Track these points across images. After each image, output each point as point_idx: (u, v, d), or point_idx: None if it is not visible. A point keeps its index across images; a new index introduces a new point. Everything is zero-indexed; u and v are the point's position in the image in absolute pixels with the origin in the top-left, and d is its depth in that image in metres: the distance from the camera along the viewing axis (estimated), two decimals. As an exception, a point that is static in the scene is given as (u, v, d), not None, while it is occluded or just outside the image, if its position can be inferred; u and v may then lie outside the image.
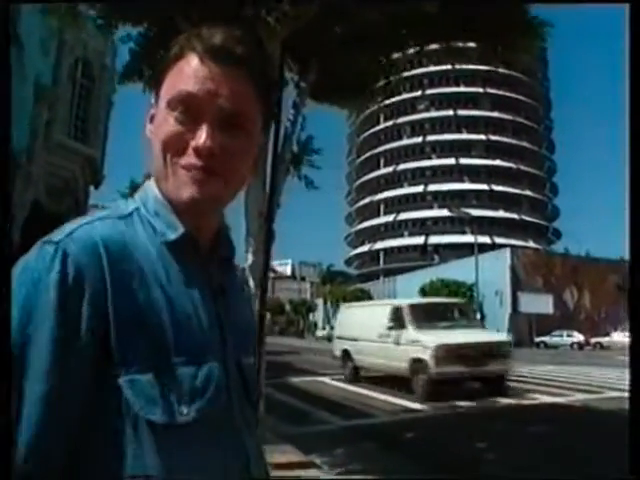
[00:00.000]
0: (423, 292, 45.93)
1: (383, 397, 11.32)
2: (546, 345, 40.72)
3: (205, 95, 0.75)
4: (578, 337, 41.02)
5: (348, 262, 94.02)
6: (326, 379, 14.77)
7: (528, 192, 77.76)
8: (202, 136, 0.75)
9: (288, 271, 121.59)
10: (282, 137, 5.94)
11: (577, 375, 16.46)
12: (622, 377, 16.13)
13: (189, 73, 0.76)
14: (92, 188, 19.04)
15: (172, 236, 0.79)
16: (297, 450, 6.24)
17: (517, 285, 43.42)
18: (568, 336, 41.21)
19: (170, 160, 0.77)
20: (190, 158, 0.76)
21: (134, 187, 17.23)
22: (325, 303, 75.29)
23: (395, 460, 6.40)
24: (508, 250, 45.48)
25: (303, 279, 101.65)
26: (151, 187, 0.83)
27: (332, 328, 55.91)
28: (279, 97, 5.83)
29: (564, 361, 22.86)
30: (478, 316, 38.84)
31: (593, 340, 40.52)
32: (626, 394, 8.72)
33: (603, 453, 6.28)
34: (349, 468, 5.92)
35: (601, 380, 14.98)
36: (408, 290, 50.20)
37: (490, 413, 9.64)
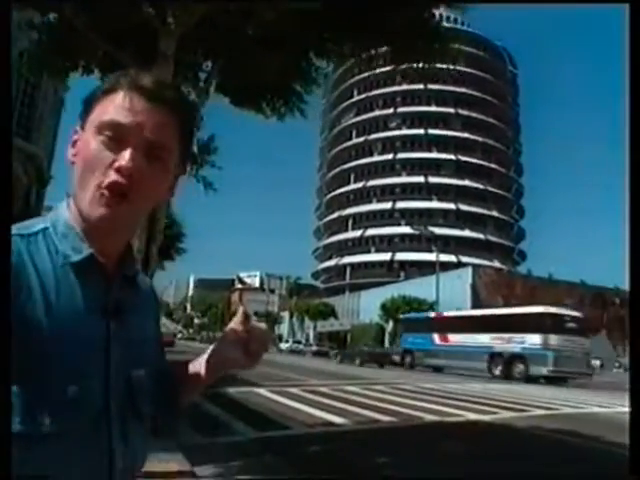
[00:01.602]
0: (384, 308, 46.11)
1: (309, 410, 11.11)
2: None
3: (131, 124, 0.84)
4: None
5: (315, 276, 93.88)
6: (262, 390, 14.49)
7: (495, 213, 79.09)
8: (125, 157, 0.82)
9: (256, 283, 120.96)
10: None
11: (493, 393, 16.50)
12: (543, 395, 16.27)
13: (119, 105, 0.84)
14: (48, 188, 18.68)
15: (75, 258, 0.85)
16: (184, 460, 5.98)
17: (478, 304, 43.81)
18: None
19: (90, 179, 0.83)
20: (112, 176, 0.82)
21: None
22: (291, 316, 75.01)
23: (289, 473, 6.18)
24: (470, 269, 45.97)
25: (272, 291, 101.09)
26: (63, 209, 0.90)
27: (296, 342, 55.54)
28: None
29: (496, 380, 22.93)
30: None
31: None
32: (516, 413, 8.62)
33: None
34: (231, 480, 5.68)
35: (521, 397, 15.04)
36: (371, 306, 50.42)
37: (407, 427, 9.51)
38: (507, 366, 24.41)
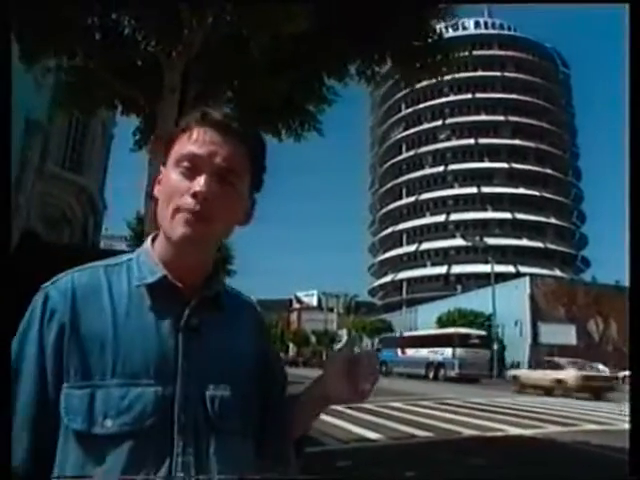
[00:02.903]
0: (440, 322, 45.19)
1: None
2: (569, 378, 39.10)
3: (205, 154, 0.94)
4: (603, 369, 39.28)
5: (372, 292, 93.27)
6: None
7: (553, 220, 76.23)
8: (200, 182, 0.92)
9: (314, 302, 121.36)
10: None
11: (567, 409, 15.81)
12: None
13: (194, 139, 0.95)
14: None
15: (149, 280, 0.97)
16: None
17: (537, 315, 42.24)
18: (591, 369, 39.50)
19: (171, 204, 0.94)
20: (188, 200, 0.92)
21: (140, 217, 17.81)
22: (349, 334, 74.71)
23: None
24: (527, 279, 44.40)
25: (331, 310, 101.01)
26: (147, 242, 1.04)
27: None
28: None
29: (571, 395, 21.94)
30: (496, 346, 38.05)
31: (621, 374, 38.66)
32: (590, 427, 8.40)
33: None
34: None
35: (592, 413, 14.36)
36: (428, 321, 49.56)
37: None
38: (435, 371, 34.16)
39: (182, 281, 0.98)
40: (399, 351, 39.69)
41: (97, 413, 0.88)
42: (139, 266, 1.00)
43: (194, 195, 0.92)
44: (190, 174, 0.94)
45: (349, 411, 12.23)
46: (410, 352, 38.11)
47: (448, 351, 33.01)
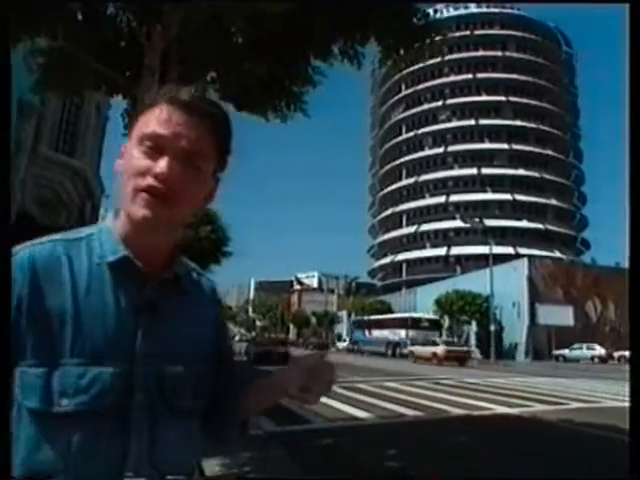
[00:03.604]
0: (438, 304, 45.42)
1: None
2: (565, 358, 39.34)
3: (170, 135, 0.93)
4: (599, 350, 39.56)
5: (372, 274, 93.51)
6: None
7: (554, 201, 76.05)
8: (162, 164, 0.92)
9: (315, 283, 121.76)
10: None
11: (563, 387, 15.97)
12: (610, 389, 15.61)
13: (158, 117, 0.94)
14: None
15: (110, 259, 0.96)
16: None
17: (535, 296, 42.35)
18: (588, 349, 39.76)
19: (131, 183, 0.93)
20: (149, 181, 0.91)
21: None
22: (349, 315, 75.04)
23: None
24: (525, 260, 44.45)
25: (332, 291, 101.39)
26: (109, 218, 1.03)
27: (353, 341, 56.37)
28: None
29: (569, 375, 22.18)
30: (493, 327, 38.33)
31: (617, 354, 38.99)
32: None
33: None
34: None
35: (586, 392, 14.51)
36: (427, 302, 49.77)
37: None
38: (393, 349, 40.33)
39: (143, 261, 0.97)
40: (367, 332, 46.79)
41: (54, 392, 0.88)
42: (101, 243, 0.99)
43: (155, 176, 0.91)
44: (153, 154, 0.93)
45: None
46: (375, 333, 45.01)
47: (403, 332, 39.59)
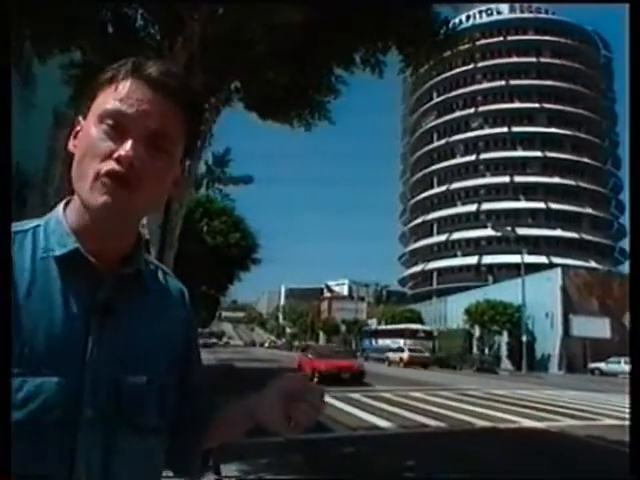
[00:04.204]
0: (468, 313, 44.75)
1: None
2: (601, 372, 38.15)
3: (134, 114, 0.81)
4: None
5: (402, 282, 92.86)
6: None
7: (589, 210, 74.23)
8: (126, 146, 0.80)
9: (345, 291, 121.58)
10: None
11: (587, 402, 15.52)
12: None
13: (123, 94, 0.82)
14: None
15: (57, 252, 0.84)
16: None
17: (569, 307, 41.24)
18: (626, 363, 38.50)
19: (90, 167, 0.80)
20: (111, 164, 0.80)
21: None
22: (379, 323, 74.64)
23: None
24: (559, 270, 43.41)
25: (362, 299, 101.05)
26: (59, 207, 0.90)
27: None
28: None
29: (604, 389, 21.53)
30: (525, 338, 37.53)
31: (655, 367, 37.61)
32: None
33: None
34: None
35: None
36: (457, 311, 49.12)
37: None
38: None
39: (98, 255, 0.85)
40: (373, 341, 52.03)
41: None
42: (47, 235, 0.86)
43: (118, 160, 0.80)
44: (115, 134, 0.81)
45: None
46: (380, 342, 49.53)
47: (401, 341, 43.62)
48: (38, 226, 0.87)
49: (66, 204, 0.89)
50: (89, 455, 0.80)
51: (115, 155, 0.80)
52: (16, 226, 0.86)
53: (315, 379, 16.94)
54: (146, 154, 0.82)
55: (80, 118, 0.87)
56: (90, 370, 0.81)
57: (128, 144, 0.80)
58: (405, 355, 37.46)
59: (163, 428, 0.90)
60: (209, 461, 1.01)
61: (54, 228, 0.86)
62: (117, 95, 0.82)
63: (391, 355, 40.57)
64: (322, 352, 22.42)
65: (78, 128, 0.87)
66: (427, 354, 39.50)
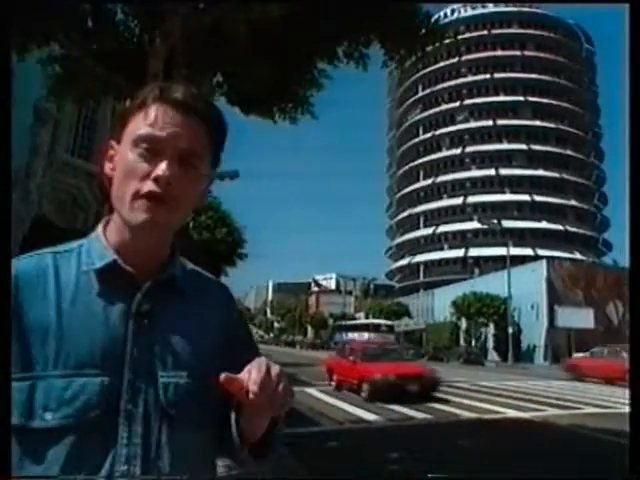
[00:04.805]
0: (455, 306, 45.09)
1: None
2: (586, 362, 38.69)
3: (165, 136, 0.90)
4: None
5: (389, 275, 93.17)
6: (312, 390, 14.72)
7: (574, 202, 74.91)
8: (162, 167, 0.89)
9: (332, 285, 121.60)
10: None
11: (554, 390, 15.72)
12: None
13: (153, 118, 0.91)
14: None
15: (98, 265, 0.94)
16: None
17: (554, 298, 41.70)
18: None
19: (129, 187, 0.90)
20: (149, 185, 0.89)
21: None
22: (366, 317, 74.85)
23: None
24: (544, 262, 43.86)
25: (349, 293, 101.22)
26: (98, 228, 1.00)
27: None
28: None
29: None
30: (511, 329, 37.93)
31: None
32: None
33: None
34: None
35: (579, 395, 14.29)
36: (445, 304, 49.48)
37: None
38: None
39: (135, 266, 0.94)
40: (343, 335, 54.58)
41: (37, 406, 0.84)
42: (88, 251, 0.96)
43: (156, 179, 0.88)
44: (150, 156, 0.90)
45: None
46: (349, 335, 51.73)
47: (366, 335, 46.71)
48: (82, 245, 0.98)
49: (105, 223, 0.99)
50: (129, 447, 0.87)
51: (152, 175, 0.89)
52: (62, 246, 0.98)
53: (364, 393, 12.65)
54: (180, 172, 0.90)
55: (113, 143, 0.96)
56: (130, 370, 0.89)
57: (163, 164, 0.89)
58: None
59: (208, 422, 0.94)
60: (264, 453, 0.95)
61: (95, 245, 0.97)
62: (148, 120, 0.91)
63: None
64: (370, 351, 15.42)
65: (112, 152, 0.96)
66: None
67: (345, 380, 14.28)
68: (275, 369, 0.87)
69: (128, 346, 0.90)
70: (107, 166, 0.96)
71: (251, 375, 0.85)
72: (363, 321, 57.77)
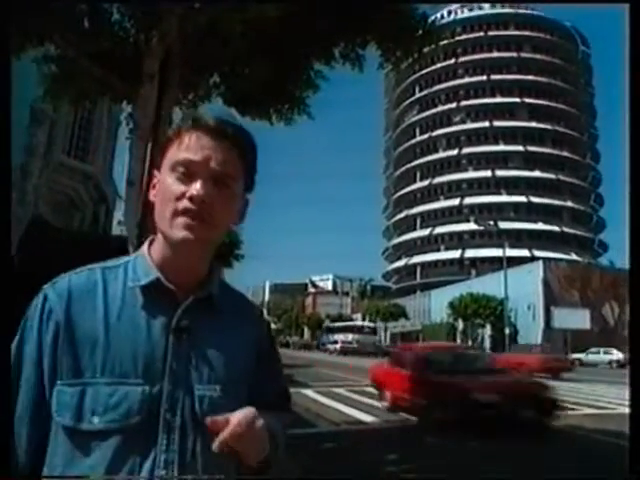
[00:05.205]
0: (452, 307, 45.18)
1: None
2: (581, 363, 38.70)
3: (200, 160, 0.98)
4: (617, 355, 38.77)
5: (386, 276, 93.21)
6: (309, 391, 14.69)
7: (570, 203, 75.14)
8: (196, 186, 0.97)
9: (329, 286, 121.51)
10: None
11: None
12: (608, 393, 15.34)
13: (188, 144, 0.99)
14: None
15: (143, 281, 1.01)
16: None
17: (551, 299, 41.95)
18: (606, 353, 39.03)
19: (168, 207, 0.98)
20: (185, 203, 0.97)
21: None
22: (363, 319, 74.84)
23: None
24: (540, 263, 44.03)
25: (346, 294, 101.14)
26: (144, 246, 1.08)
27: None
28: (169, 113, 6.10)
29: (584, 379, 21.91)
30: (507, 331, 37.96)
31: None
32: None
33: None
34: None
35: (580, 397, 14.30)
36: (442, 305, 49.59)
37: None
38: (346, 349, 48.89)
39: (176, 283, 1.01)
40: (331, 336, 57.21)
41: (86, 410, 0.92)
42: (135, 268, 1.04)
43: (191, 198, 0.96)
44: (186, 179, 0.98)
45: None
46: (335, 336, 54.74)
47: (351, 336, 50.39)
48: (128, 262, 1.06)
49: (150, 242, 1.07)
50: (167, 453, 0.94)
51: (188, 194, 0.96)
52: (111, 262, 1.06)
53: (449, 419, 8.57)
54: (213, 191, 0.97)
55: (156, 172, 1.05)
56: (170, 381, 0.97)
57: (197, 184, 0.97)
58: (338, 346, 49.38)
59: None
60: (269, 464, 1.01)
61: (140, 262, 1.04)
62: (183, 146, 0.99)
63: (330, 346, 52.64)
64: (441, 358, 10.69)
65: (155, 180, 1.04)
66: (355, 345, 48.37)
67: (407, 398, 9.98)
68: (253, 425, 0.93)
69: (168, 359, 0.97)
70: (151, 193, 1.05)
71: (229, 424, 0.91)
72: (348, 323, 60.98)
